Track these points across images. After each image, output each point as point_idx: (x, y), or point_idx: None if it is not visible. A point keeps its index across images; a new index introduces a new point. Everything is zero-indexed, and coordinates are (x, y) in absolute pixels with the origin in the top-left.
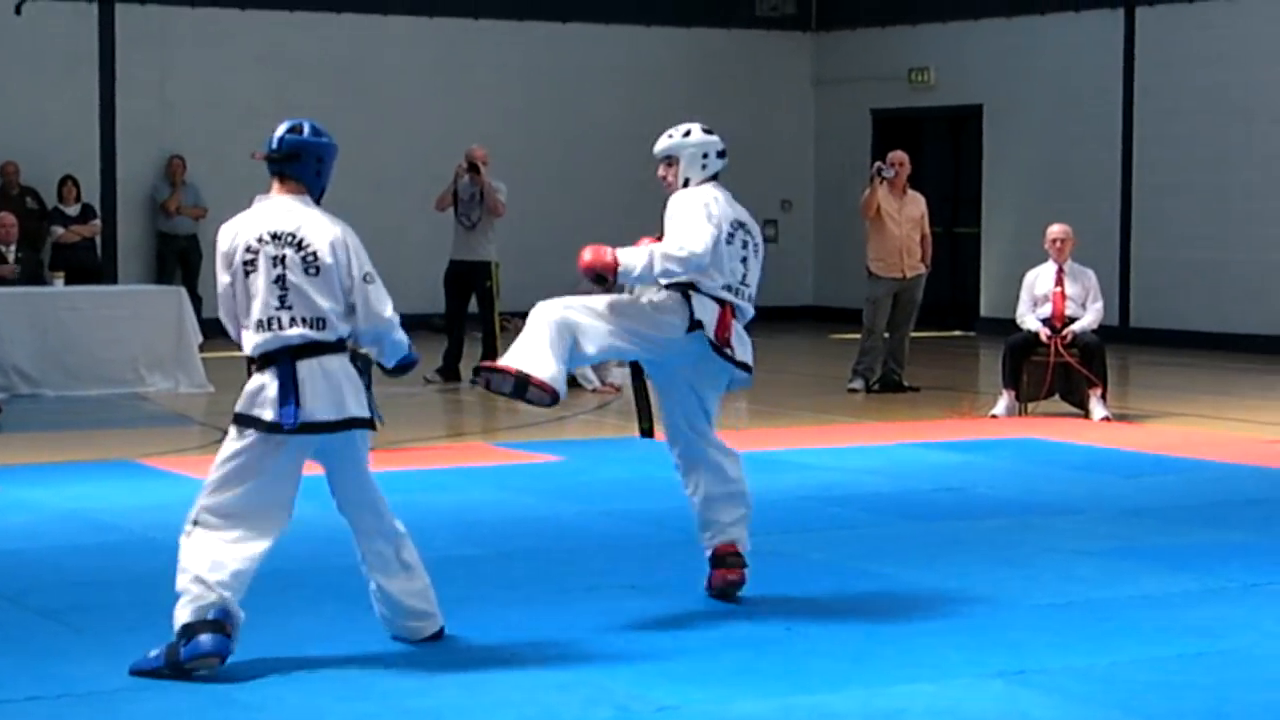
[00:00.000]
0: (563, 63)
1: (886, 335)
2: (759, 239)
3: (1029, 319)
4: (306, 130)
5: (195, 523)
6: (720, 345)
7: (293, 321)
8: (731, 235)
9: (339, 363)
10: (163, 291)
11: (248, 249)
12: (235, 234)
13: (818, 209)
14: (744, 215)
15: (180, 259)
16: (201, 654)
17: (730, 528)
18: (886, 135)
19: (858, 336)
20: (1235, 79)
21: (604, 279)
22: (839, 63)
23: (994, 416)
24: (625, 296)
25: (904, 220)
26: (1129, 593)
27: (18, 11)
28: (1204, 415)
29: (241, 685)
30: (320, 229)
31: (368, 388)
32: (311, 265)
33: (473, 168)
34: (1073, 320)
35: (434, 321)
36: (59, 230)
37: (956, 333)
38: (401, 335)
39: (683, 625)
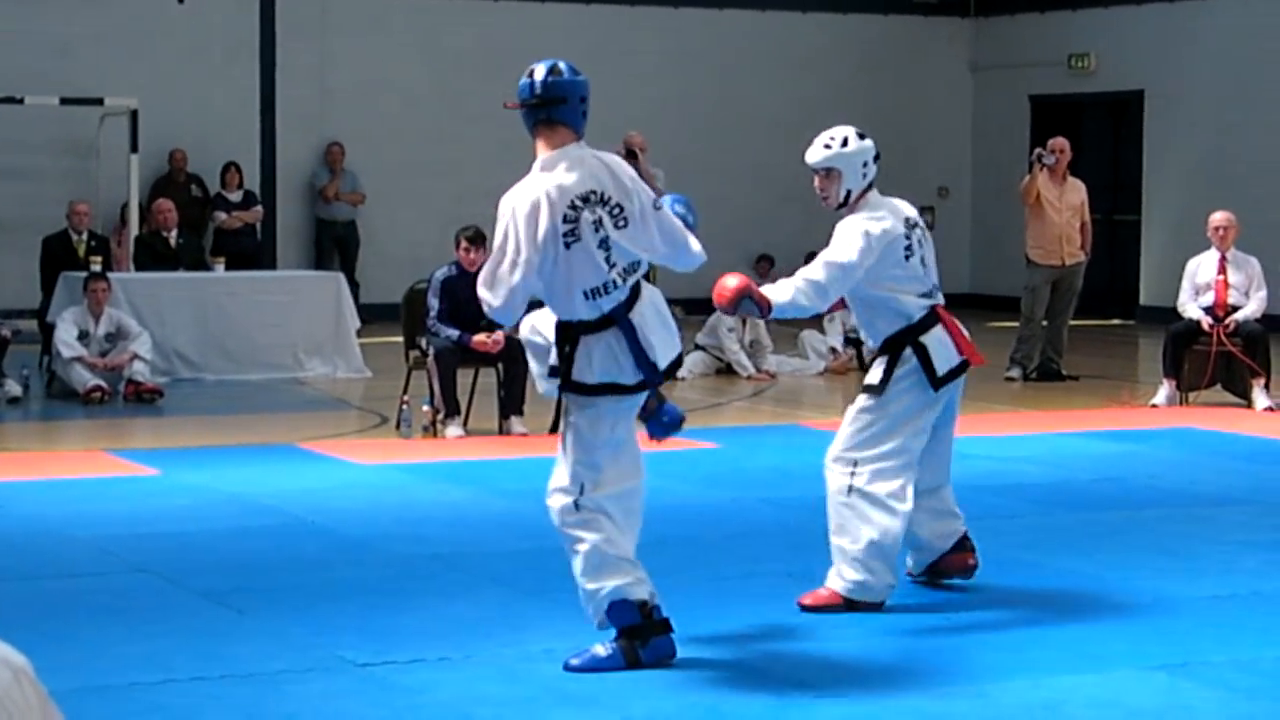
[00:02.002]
0: (719, 49)
1: (1045, 323)
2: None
3: (1191, 307)
4: (565, 70)
5: (578, 506)
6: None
7: (621, 277)
8: (908, 241)
9: (650, 293)
10: (321, 277)
11: (565, 219)
12: (538, 206)
13: (975, 196)
14: (908, 209)
15: (338, 245)
16: (665, 655)
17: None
18: (1045, 121)
19: (1015, 324)
20: None
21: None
22: (998, 48)
23: (1154, 406)
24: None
25: (1064, 207)
26: None
27: (180, 0)
28: None
29: (401, 668)
30: (613, 177)
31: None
32: (619, 218)
33: (630, 154)
34: (1236, 309)
35: None
36: (222, 216)
37: (1116, 321)
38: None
39: (839, 614)
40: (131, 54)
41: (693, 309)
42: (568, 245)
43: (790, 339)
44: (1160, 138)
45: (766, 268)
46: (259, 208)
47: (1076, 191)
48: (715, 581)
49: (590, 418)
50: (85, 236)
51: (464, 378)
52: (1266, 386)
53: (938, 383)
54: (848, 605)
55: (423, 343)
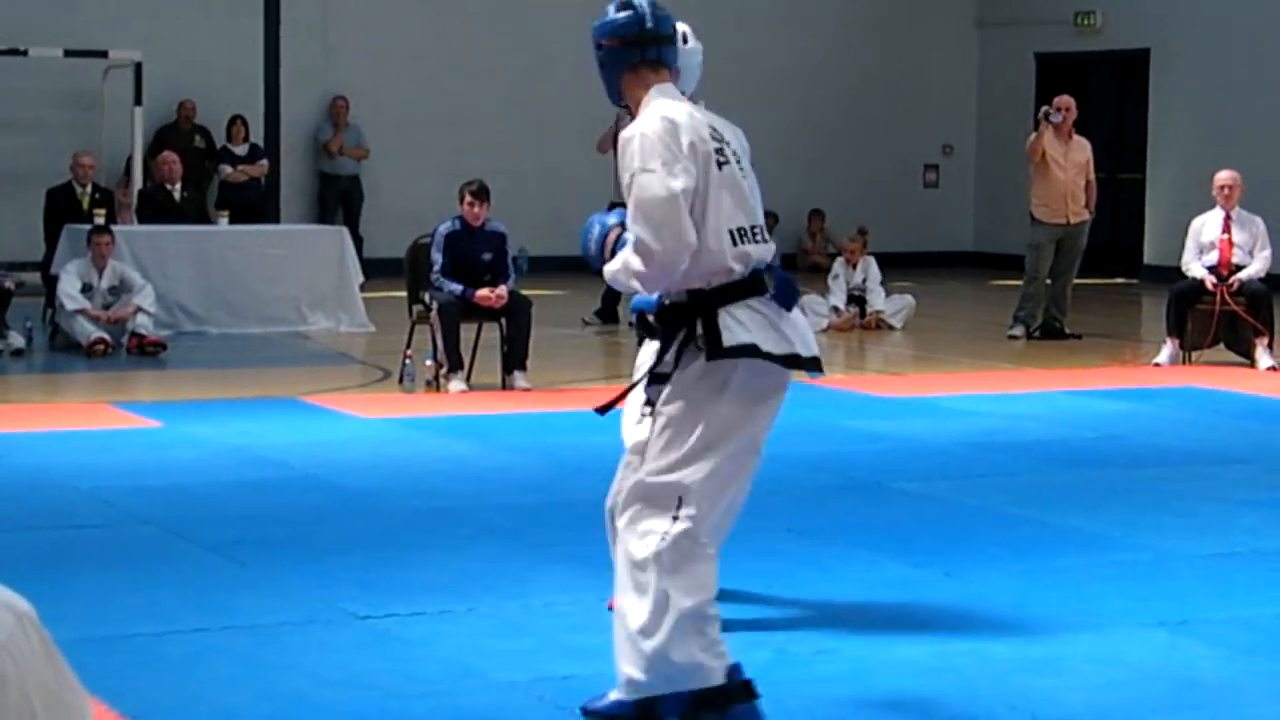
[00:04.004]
0: (725, 6)
1: (1049, 282)
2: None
3: (1195, 266)
4: (658, 4)
5: (679, 509)
6: None
7: (758, 230)
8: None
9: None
10: (325, 231)
11: (713, 137)
12: (676, 123)
13: (979, 154)
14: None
15: (342, 199)
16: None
17: None
18: (1050, 79)
19: (1019, 283)
20: None
21: None
22: (1003, 6)
23: (1157, 365)
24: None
25: (1069, 165)
26: None
27: None
28: None
29: (402, 621)
30: (726, 124)
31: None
32: (740, 165)
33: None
34: (1240, 268)
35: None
36: (227, 169)
37: (1120, 280)
38: None
39: (840, 568)
40: (135, 6)
41: None
42: (720, 165)
43: None
44: (1166, 97)
45: (771, 224)
46: (264, 161)
47: (1082, 150)
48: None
49: (715, 395)
50: (89, 189)
51: (467, 332)
52: (1270, 346)
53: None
54: None
55: (426, 297)
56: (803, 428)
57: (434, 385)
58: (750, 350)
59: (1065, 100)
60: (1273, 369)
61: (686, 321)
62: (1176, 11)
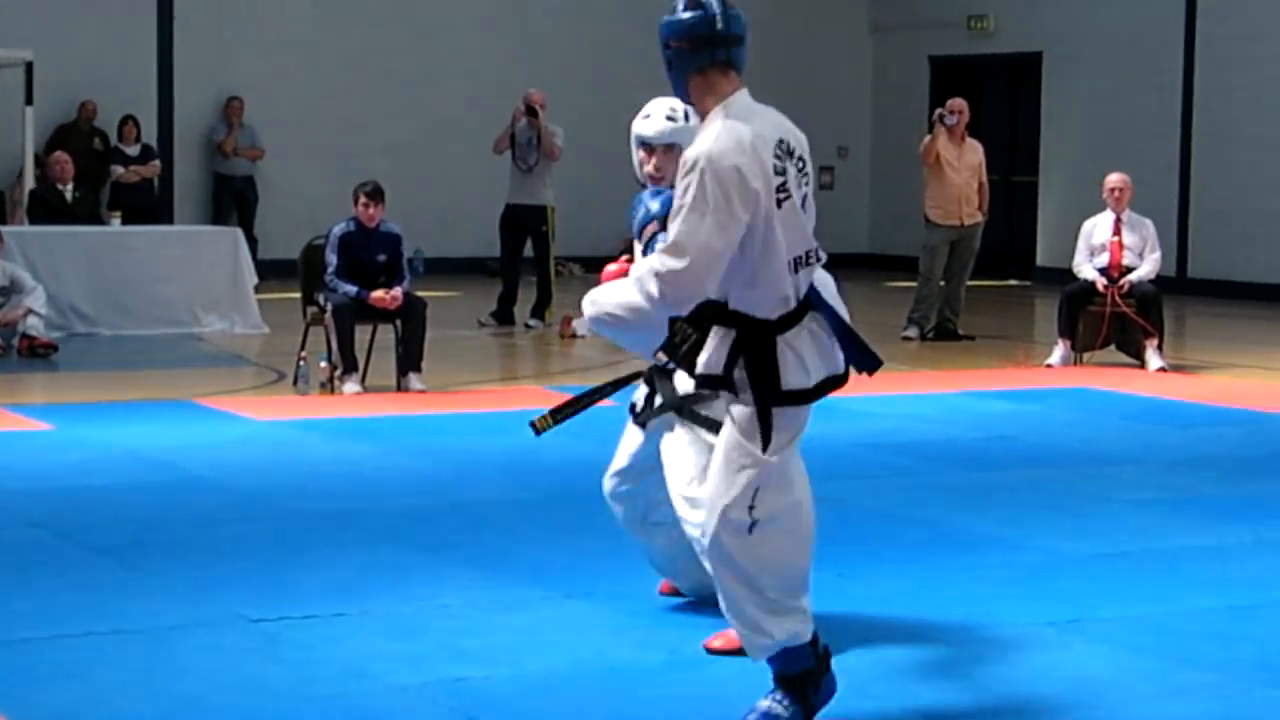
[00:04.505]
0: (621, 7)
1: (943, 283)
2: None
3: (1086, 268)
4: (729, 2)
5: (754, 524)
6: None
7: (813, 254)
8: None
9: (822, 275)
10: (219, 232)
11: (777, 171)
12: (745, 154)
13: (874, 156)
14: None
15: (236, 200)
16: (831, 694)
17: None
18: (944, 83)
19: (914, 284)
20: None
21: None
22: (897, 9)
23: (1049, 366)
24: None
25: (963, 168)
26: (1183, 543)
27: None
28: (1260, 366)
29: (295, 624)
30: (793, 129)
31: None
32: (805, 174)
33: (531, 111)
34: (1130, 270)
35: (489, 265)
36: (119, 170)
37: (1013, 282)
38: None
39: None
40: (26, 5)
41: (591, 266)
42: (779, 203)
43: None
44: (1058, 100)
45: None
46: (156, 162)
47: (975, 152)
48: (612, 538)
49: (781, 425)
50: None
51: (362, 334)
52: (1159, 347)
53: None
54: None
55: (320, 299)
56: None
57: (328, 387)
58: (802, 397)
59: (958, 103)
60: (1162, 370)
61: (742, 349)
62: (1068, 15)
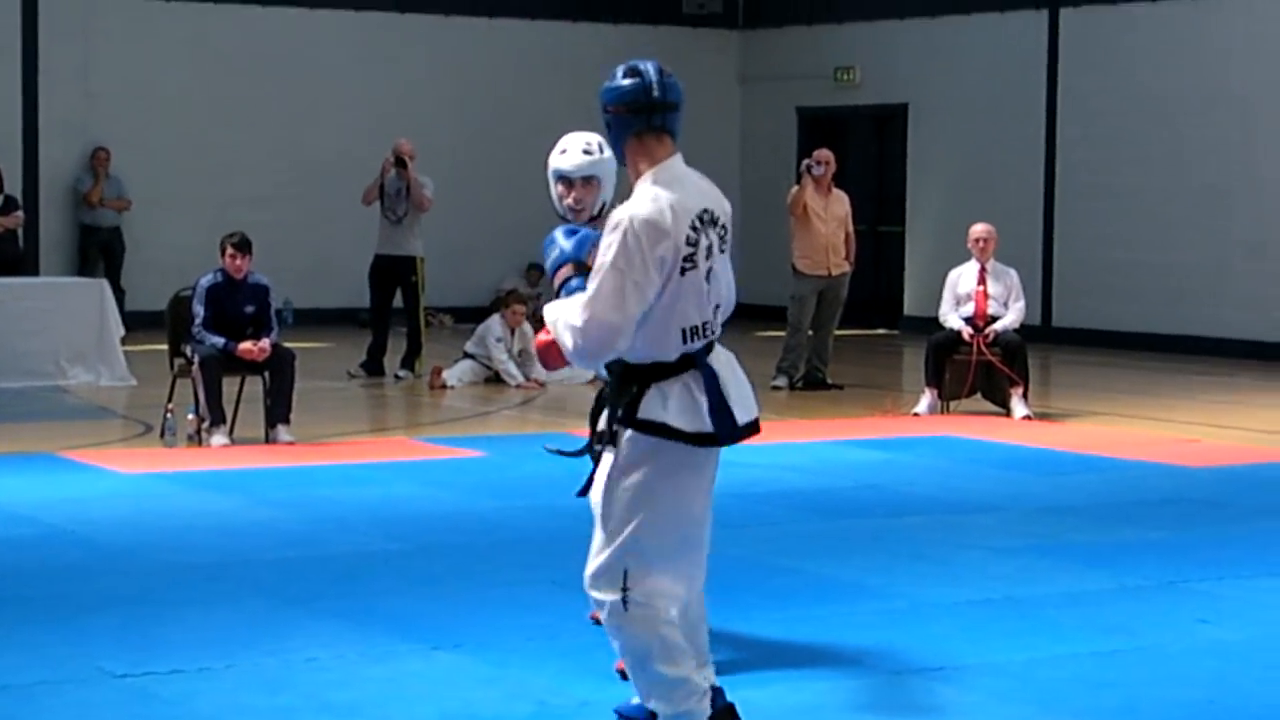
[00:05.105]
0: (490, 58)
1: (811, 333)
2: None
3: (952, 318)
4: (666, 71)
5: (626, 583)
6: None
7: (715, 312)
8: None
9: (724, 352)
10: (85, 284)
11: (688, 240)
12: (664, 221)
13: (743, 206)
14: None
15: (103, 251)
16: None
17: None
18: (812, 133)
19: (782, 334)
20: (1157, 81)
21: None
22: (765, 61)
23: (916, 414)
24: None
25: (829, 218)
26: (1047, 590)
27: None
28: (1124, 414)
29: (160, 679)
30: (716, 194)
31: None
32: (723, 242)
33: (400, 162)
34: (995, 319)
35: (359, 316)
36: None
37: (880, 331)
38: None
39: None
40: None
41: (462, 317)
42: (684, 272)
43: None
44: (923, 151)
45: (537, 276)
46: (20, 213)
47: (841, 203)
48: (482, 589)
49: (650, 472)
50: None
51: (230, 386)
52: (1025, 395)
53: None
54: None
55: (188, 350)
56: (566, 479)
57: (196, 439)
58: (663, 430)
59: (825, 154)
60: (1027, 418)
61: (625, 391)
62: (933, 67)
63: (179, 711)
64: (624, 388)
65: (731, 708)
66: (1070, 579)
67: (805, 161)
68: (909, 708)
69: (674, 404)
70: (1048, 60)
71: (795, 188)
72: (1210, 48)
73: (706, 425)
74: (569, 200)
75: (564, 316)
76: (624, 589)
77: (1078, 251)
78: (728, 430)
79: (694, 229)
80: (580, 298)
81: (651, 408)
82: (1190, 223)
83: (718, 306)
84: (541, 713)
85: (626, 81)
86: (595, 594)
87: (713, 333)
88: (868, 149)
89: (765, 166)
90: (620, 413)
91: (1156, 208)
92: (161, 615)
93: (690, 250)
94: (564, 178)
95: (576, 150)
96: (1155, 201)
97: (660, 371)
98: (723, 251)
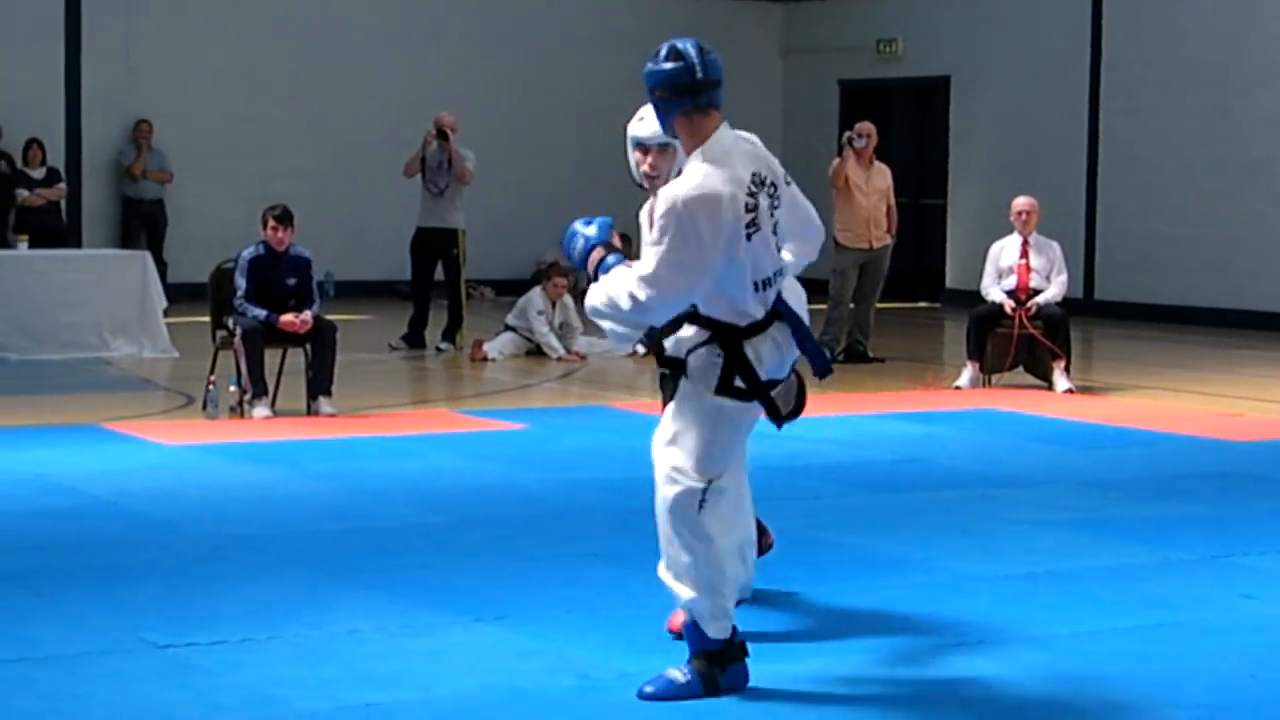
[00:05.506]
0: (531, 30)
1: (852, 306)
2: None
3: (994, 291)
4: (706, 49)
5: (704, 503)
6: None
7: (779, 272)
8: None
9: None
10: (128, 256)
11: (747, 209)
12: (719, 203)
13: None
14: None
15: (145, 224)
16: (742, 682)
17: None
18: (854, 106)
19: (823, 307)
20: (1201, 53)
21: None
22: (807, 33)
23: (958, 388)
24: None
25: (871, 191)
26: (1089, 564)
27: None
28: (1166, 388)
29: (202, 650)
30: (765, 155)
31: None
32: (776, 198)
33: (441, 134)
34: (1037, 292)
35: (400, 288)
36: (24, 193)
37: (922, 304)
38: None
39: (644, 593)
40: None
41: (503, 290)
42: (749, 237)
43: None
44: (965, 123)
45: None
46: (62, 185)
47: (883, 176)
48: (521, 562)
49: (733, 412)
50: None
51: (271, 358)
52: (1067, 369)
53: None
54: None
55: (230, 322)
56: (608, 452)
57: (238, 411)
58: (757, 393)
59: (866, 126)
60: (1070, 392)
61: (709, 344)
62: (976, 40)
63: (221, 683)
64: (709, 345)
65: (744, 643)
66: (1112, 553)
67: (847, 134)
68: (950, 681)
69: (767, 361)
70: (1091, 32)
71: (837, 160)
72: (1258, 17)
73: (785, 372)
74: (645, 167)
75: (621, 288)
76: (707, 487)
77: (1121, 224)
78: (819, 364)
79: (751, 195)
80: (636, 269)
81: (749, 373)
82: (1234, 196)
83: (780, 268)
84: (583, 685)
85: (669, 65)
86: (667, 487)
87: (783, 275)
88: (910, 122)
89: (807, 139)
90: (715, 381)
91: (1200, 180)
92: (204, 587)
93: (751, 216)
94: (641, 145)
95: (653, 118)
96: (1199, 174)
97: (751, 330)
98: (777, 207)
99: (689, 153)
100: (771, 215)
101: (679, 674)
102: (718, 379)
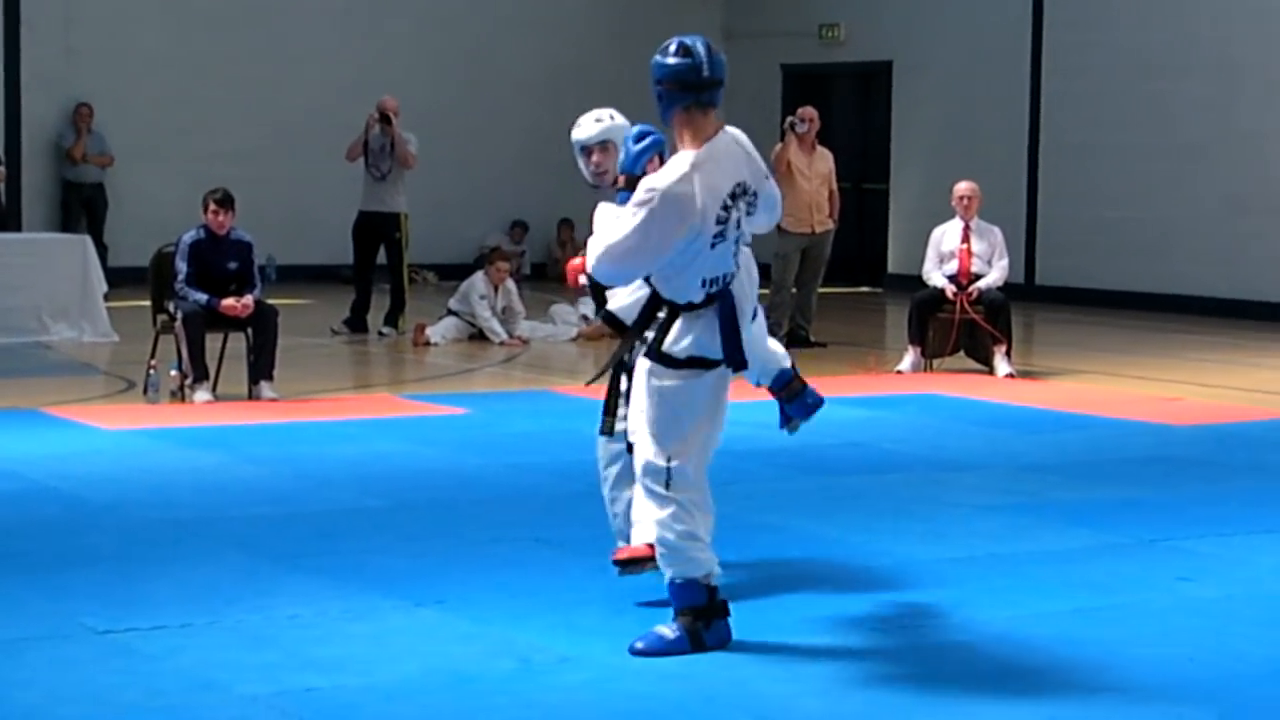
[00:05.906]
0: (474, 13)
1: (795, 290)
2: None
3: (935, 275)
4: (714, 49)
5: (670, 475)
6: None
7: (730, 275)
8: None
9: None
10: (68, 240)
11: (719, 220)
12: (690, 211)
13: None
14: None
15: (86, 207)
16: (725, 639)
17: None
18: (796, 91)
19: (766, 291)
20: (1141, 38)
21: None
22: (750, 18)
23: (899, 372)
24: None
25: (813, 176)
26: (1029, 548)
27: None
28: (1106, 372)
29: (143, 635)
30: (750, 159)
31: None
32: (753, 206)
33: (384, 118)
34: (978, 277)
35: (342, 272)
36: None
37: (864, 288)
38: None
39: (586, 578)
40: None
41: (446, 274)
42: (713, 245)
43: (544, 306)
44: (907, 109)
45: (520, 233)
46: (1, 168)
47: (825, 160)
48: (463, 546)
49: (674, 387)
50: None
51: (213, 342)
52: (1008, 353)
53: None
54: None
55: (170, 307)
56: (549, 436)
57: (179, 396)
58: (695, 362)
59: (809, 111)
60: (1010, 376)
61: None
62: (918, 25)
63: (162, 667)
64: (651, 311)
65: (725, 603)
66: (1052, 536)
67: (789, 119)
68: (890, 664)
69: (693, 336)
70: (1032, 18)
71: (779, 145)
72: (1191, 5)
73: (717, 353)
74: (591, 166)
75: (598, 240)
76: (668, 460)
77: (1061, 209)
78: (735, 359)
79: (725, 208)
80: (611, 230)
81: (671, 343)
82: (1173, 180)
83: (730, 272)
84: (524, 669)
85: (677, 60)
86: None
87: (727, 281)
88: (852, 106)
89: (749, 124)
90: (649, 345)
91: (1139, 165)
92: (144, 571)
93: (720, 228)
94: (583, 147)
95: (589, 121)
96: (1138, 159)
97: (690, 306)
98: (750, 214)
99: (682, 146)
100: (739, 226)
101: (668, 631)
102: (653, 340)
